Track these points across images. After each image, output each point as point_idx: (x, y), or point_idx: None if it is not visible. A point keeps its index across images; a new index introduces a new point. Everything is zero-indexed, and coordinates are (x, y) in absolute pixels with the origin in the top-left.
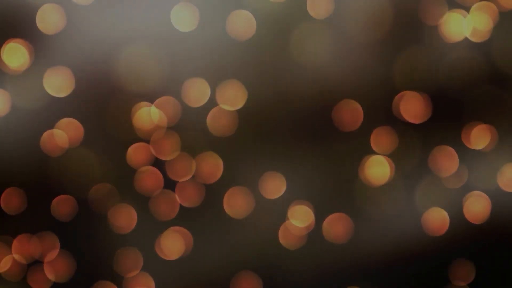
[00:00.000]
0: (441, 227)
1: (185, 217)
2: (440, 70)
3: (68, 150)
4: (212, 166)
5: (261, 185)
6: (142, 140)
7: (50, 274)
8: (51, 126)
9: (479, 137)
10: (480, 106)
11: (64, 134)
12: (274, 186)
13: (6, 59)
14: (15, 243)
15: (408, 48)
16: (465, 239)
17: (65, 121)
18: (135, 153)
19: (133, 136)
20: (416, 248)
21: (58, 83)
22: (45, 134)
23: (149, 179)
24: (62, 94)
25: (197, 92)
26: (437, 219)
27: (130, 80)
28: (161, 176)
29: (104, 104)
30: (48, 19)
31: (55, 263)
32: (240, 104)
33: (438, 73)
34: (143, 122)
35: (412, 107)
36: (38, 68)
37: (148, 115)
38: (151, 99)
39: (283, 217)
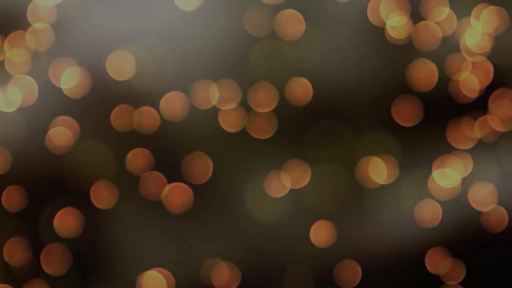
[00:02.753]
0: (434, 221)
1: (188, 218)
2: (440, 68)
3: (68, 149)
4: (208, 166)
5: (266, 184)
6: (144, 141)
7: (47, 269)
8: (50, 125)
9: (480, 130)
10: (481, 100)
11: (62, 133)
12: (278, 184)
13: (7, 57)
14: (12, 241)
15: (407, 48)
16: (457, 238)
17: (64, 119)
18: (136, 156)
19: (135, 137)
20: (409, 247)
21: (58, 82)
22: (43, 133)
23: (152, 182)
24: (62, 93)
25: (203, 92)
26: (430, 212)
27: (132, 80)
28: (164, 178)
29: (104, 104)
30: (46, 15)
31: (51, 258)
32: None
33: (437, 71)
34: (146, 124)
35: (411, 107)
36: (39, 65)
37: (151, 115)
38: (154, 99)
39: (287, 216)
